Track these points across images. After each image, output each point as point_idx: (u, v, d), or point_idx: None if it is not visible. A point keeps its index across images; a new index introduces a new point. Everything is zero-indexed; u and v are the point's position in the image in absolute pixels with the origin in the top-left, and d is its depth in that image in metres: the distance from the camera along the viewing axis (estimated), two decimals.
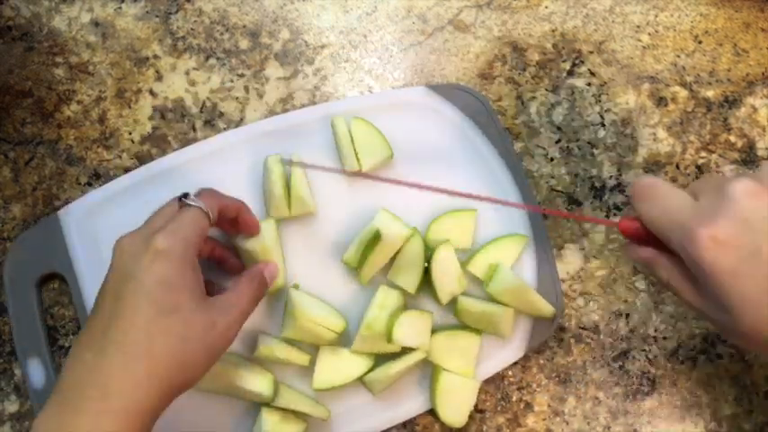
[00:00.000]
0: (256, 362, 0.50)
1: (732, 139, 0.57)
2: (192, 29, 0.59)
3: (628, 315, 0.54)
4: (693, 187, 0.36)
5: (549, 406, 0.53)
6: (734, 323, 0.32)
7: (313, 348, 0.50)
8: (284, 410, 0.48)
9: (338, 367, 0.49)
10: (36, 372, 0.51)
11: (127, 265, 0.38)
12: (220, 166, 0.53)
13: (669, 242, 0.35)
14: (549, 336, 0.53)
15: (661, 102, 0.58)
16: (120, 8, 0.59)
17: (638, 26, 0.60)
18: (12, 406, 0.52)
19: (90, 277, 0.52)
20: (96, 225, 0.52)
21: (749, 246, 0.31)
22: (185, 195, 0.43)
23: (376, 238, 0.48)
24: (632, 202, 0.37)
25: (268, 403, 0.49)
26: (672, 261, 0.36)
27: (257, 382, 0.48)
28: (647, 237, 0.37)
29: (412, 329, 0.48)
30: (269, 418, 0.48)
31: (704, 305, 0.34)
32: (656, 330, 0.54)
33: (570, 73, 0.59)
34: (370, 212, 0.53)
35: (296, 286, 0.51)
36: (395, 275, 0.50)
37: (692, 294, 0.35)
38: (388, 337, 0.48)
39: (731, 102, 0.58)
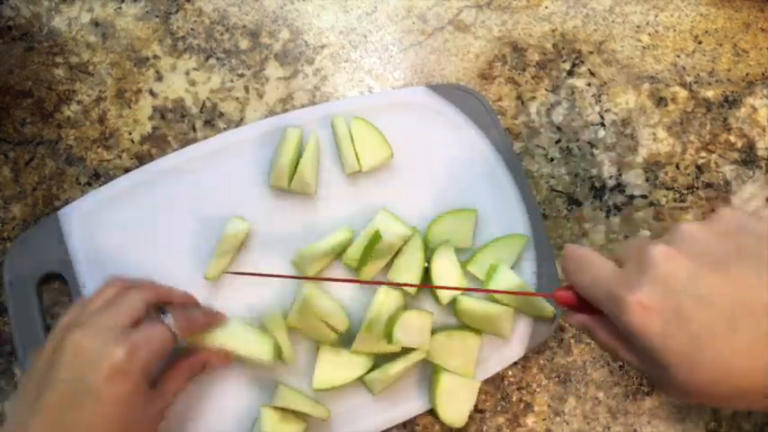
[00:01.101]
0: (258, 326, 0.50)
1: (732, 139, 0.57)
2: (192, 29, 0.59)
3: None
4: (619, 253, 0.38)
5: (549, 406, 0.53)
6: (669, 379, 0.34)
7: (313, 347, 0.51)
8: (284, 410, 0.48)
9: (338, 367, 0.49)
10: None
11: (84, 373, 0.38)
12: (220, 166, 0.53)
13: (601, 308, 0.37)
14: (549, 336, 0.53)
15: (661, 102, 0.58)
16: (120, 8, 0.59)
17: (638, 26, 0.60)
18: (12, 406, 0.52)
19: (90, 277, 0.52)
20: (96, 225, 0.52)
21: (672, 307, 0.33)
22: (163, 312, 0.44)
23: (376, 238, 0.48)
24: (564, 273, 0.40)
25: (269, 404, 0.49)
26: (607, 324, 0.38)
27: (258, 348, 0.48)
28: (582, 303, 0.39)
29: (412, 329, 0.48)
30: (269, 418, 0.48)
31: (640, 363, 0.36)
32: None
33: (570, 73, 0.59)
34: (370, 212, 0.53)
35: None
36: (395, 275, 0.50)
37: (628, 354, 0.37)
38: (389, 338, 0.48)
39: (731, 102, 0.58)
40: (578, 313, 0.40)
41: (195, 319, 0.46)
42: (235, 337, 0.48)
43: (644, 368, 0.36)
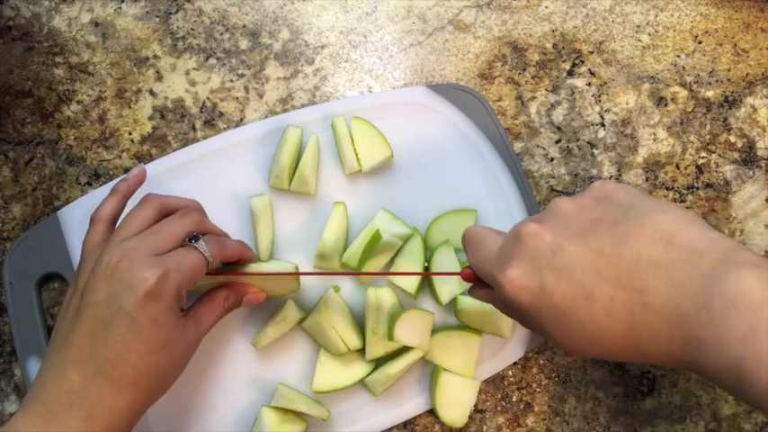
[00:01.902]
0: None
1: (732, 139, 0.57)
2: (191, 29, 0.59)
3: None
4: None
5: (549, 406, 0.53)
6: (553, 343, 0.36)
7: (314, 348, 0.51)
8: (284, 410, 0.48)
9: (338, 370, 0.49)
10: (36, 372, 0.50)
11: (119, 296, 0.39)
12: (220, 166, 0.53)
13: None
14: None
15: (661, 102, 0.58)
16: (120, 8, 0.59)
17: (638, 26, 0.60)
18: (12, 406, 0.52)
19: None
20: None
21: (538, 281, 0.35)
22: (195, 238, 0.44)
23: (376, 237, 0.48)
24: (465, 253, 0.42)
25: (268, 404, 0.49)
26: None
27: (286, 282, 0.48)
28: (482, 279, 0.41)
29: (412, 328, 0.48)
30: (269, 418, 0.48)
31: (533, 330, 0.38)
32: None
33: (570, 73, 0.59)
34: (370, 212, 0.53)
35: (336, 289, 0.51)
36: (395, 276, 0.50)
37: (521, 321, 0.39)
38: (390, 335, 0.48)
39: (731, 102, 0.58)
40: (480, 288, 0.42)
41: (227, 245, 0.45)
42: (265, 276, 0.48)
43: (541, 333, 0.38)
